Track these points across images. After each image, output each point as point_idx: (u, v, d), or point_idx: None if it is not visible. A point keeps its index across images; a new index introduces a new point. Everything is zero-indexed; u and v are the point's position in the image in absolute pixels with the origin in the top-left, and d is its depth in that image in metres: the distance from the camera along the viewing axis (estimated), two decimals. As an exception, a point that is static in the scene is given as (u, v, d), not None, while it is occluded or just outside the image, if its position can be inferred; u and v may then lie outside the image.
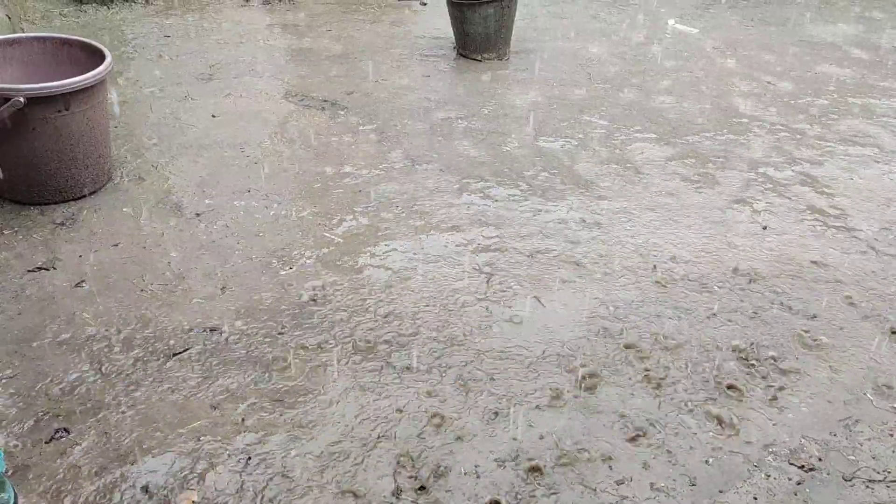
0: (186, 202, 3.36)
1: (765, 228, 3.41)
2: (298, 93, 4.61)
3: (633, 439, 2.27)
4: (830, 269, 3.14)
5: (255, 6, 6.32)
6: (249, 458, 2.14)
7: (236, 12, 6.11)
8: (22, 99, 2.93)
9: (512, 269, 3.03)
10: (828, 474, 2.19)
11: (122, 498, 2.00)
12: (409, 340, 2.62)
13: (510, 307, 2.81)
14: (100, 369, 2.42)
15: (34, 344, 2.51)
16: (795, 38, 6.28)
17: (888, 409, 2.44)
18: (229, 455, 2.15)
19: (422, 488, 2.08)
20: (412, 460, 2.16)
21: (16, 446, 2.13)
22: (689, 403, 2.41)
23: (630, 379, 2.50)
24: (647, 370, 2.54)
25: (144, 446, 2.16)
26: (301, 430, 2.24)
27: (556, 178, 3.77)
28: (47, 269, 2.87)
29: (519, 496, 2.07)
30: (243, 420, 2.27)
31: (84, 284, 2.81)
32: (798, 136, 4.38)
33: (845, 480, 2.18)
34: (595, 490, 2.11)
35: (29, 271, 2.86)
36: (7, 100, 2.92)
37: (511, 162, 3.90)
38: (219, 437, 2.20)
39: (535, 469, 2.15)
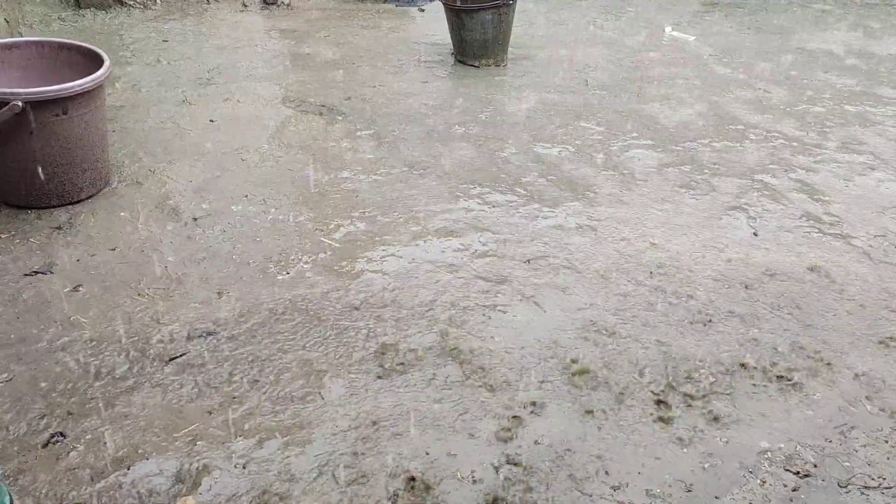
0: (184, 207, 3.37)
1: (756, 235, 3.42)
2: (296, 98, 4.62)
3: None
4: (825, 276, 3.16)
5: (253, 11, 6.33)
6: (246, 462, 2.14)
7: (234, 17, 6.13)
8: (20, 103, 2.93)
9: (509, 274, 3.04)
10: (823, 480, 2.20)
11: (118, 503, 2.00)
12: (408, 345, 2.62)
13: (507, 312, 2.81)
14: (96, 373, 2.42)
15: (31, 348, 2.51)
16: (791, 45, 6.31)
17: (883, 415, 2.45)
18: (226, 459, 2.15)
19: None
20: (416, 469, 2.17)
21: (12, 450, 2.13)
22: (686, 407, 2.42)
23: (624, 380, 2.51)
24: (644, 375, 2.55)
25: (140, 451, 2.16)
26: (298, 434, 2.24)
27: (553, 184, 3.78)
28: (44, 273, 2.87)
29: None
30: (240, 424, 2.27)
31: (81, 288, 2.80)
32: (794, 144, 4.40)
33: (840, 487, 2.19)
34: (591, 495, 2.11)
35: (26, 275, 2.86)
36: (5, 104, 2.92)
37: (508, 168, 3.91)
38: (215, 442, 2.20)
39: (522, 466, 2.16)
